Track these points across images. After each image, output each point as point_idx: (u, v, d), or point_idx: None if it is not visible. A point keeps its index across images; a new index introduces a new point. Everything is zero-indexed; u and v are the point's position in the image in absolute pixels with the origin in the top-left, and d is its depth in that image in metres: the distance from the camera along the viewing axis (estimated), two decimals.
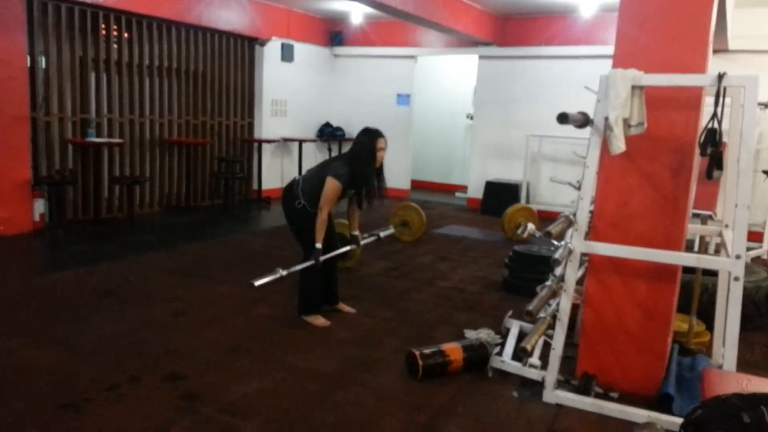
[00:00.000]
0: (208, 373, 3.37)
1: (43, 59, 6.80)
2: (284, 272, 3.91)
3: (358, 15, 9.41)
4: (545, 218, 7.49)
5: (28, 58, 6.49)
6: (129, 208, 7.52)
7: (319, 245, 4.00)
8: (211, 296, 4.70)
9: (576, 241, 3.14)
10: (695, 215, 4.20)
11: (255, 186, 9.50)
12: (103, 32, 7.30)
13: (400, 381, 3.38)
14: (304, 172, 4.55)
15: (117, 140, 7.44)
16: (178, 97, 8.36)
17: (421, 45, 10.18)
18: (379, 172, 4.23)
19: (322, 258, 4.04)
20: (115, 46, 7.46)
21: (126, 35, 7.57)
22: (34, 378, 3.24)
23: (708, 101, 3.01)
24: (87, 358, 3.50)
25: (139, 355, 3.56)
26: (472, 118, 10.41)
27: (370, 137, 4.08)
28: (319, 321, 4.18)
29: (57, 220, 6.87)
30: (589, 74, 4.23)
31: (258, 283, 3.79)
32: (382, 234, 4.76)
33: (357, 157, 4.09)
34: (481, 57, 9.67)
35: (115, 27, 7.42)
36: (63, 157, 7.05)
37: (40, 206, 6.63)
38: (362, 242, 4.47)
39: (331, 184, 3.99)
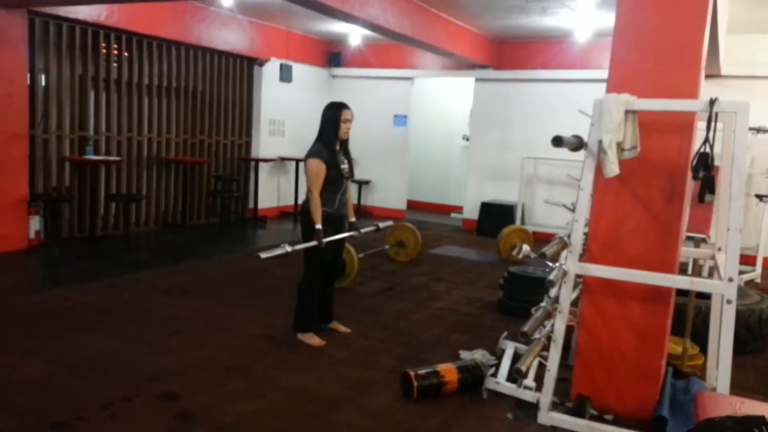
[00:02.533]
0: (202, 392, 3.35)
1: (43, 77, 6.86)
2: (289, 248, 3.91)
3: (356, 37, 9.52)
4: (540, 240, 7.52)
5: (28, 75, 6.54)
6: (125, 226, 7.52)
7: (318, 226, 4.00)
8: (206, 315, 4.69)
9: (570, 263, 3.17)
10: (689, 238, 4.24)
11: (251, 205, 9.51)
12: (104, 51, 7.37)
13: (394, 402, 3.38)
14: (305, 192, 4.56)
15: (114, 158, 7.46)
16: (176, 115, 8.41)
17: (419, 67, 10.30)
18: (346, 146, 4.24)
19: (325, 240, 4.02)
20: (114, 64, 7.53)
21: (126, 54, 7.64)
22: (27, 395, 3.22)
23: (700, 126, 3.06)
24: (81, 376, 3.48)
25: (134, 373, 3.54)
26: (468, 139, 10.49)
27: (335, 110, 4.14)
28: (314, 340, 4.17)
29: (52, 238, 6.86)
30: (584, 98, 4.30)
31: (265, 256, 3.81)
32: (381, 225, 4.78)
33: (324, 130, 4.14)
34: (477, 79, 9.78)
35: (115, 46, 7.50)
36: (60, 174, 7.06)
37: (35, 223, 6.62)
38: (362, 230, 4.47)
39: (311, 164, 4.03)
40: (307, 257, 4.17)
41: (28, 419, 2.97)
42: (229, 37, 8.57)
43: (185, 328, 4.38)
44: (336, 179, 4.13)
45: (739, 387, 3.66)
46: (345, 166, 4.22)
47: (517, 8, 7.15)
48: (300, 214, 4.36)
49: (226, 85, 9.07)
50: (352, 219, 4.43)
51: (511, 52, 9.47)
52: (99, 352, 3.83)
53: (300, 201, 4.40)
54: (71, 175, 7.18)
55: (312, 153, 4.08)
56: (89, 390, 3.30)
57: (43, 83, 6.86)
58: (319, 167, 4.03)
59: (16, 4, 6.12)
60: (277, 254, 3.86)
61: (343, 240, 4.42)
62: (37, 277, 5.92)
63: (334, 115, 4.13)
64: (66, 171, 7.13)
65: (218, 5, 7.83)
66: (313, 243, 4.01)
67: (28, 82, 6.55)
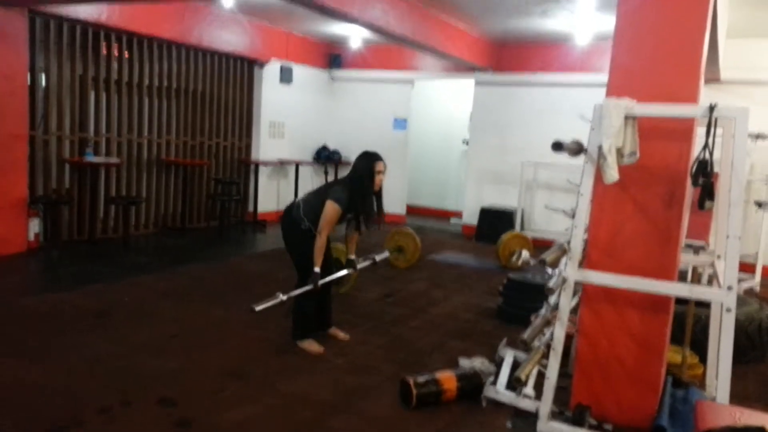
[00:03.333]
0: (201, 397, 3.34)
1: (43, 77, 6.85)
2: (284, 297, 3.91)
3: (357, 39, 9.52)
4: (540, 246, 7.50)
5: (29, 75, 6.53)
6: (124, 228, 7.51)
7: (317, 269, 4.00)
8: (205, 319, 4.68)
9: (570, 270, 3.15)
10: (688, 245, 4.23)
11: (251, 208, 9.50)
12: (104, 51, 7.36)
13: (393, 409, 3.36)
14: (300, 194, 4.55)
15: (114, 160, 7.45)
16: (176, 117, 8.40)
17: (419, 69, 10.29)
18: (378, 196, 4.24)
19: (320, 282, 4.03)
20: (115, 65, 7.52)
21: (126, 54, 7.64)
22: (25, 398, 3.21)
23: (700, 131, 3.05)
24: (80, 380, 3.47)
25: (133, 377, 3.53)
26: (467, 143, 10.48)
27: (369, 161, 4.11)
28: (313, 347, 4.16)
29: (52, 240, 6.85)
30: (584, 101, 4.29)
31: (259, 308, 3.79)
32: (378, 258, 4.76)
33: (356, 180, 4.11)
34: (477, 82, 9.77)
35: (116, 46, 7.49)
36: (60, 176, 7.05)
37: (35, 226, 6.61)
38: (359, 266, 4.46)
39: (331, 208, 4.00)
40: (301, 271, 4.16)
41: (25, 423, 2.96)
42: (229, 38, 8.57)
43: (184, 331, 4.37)
44: (342, 220, 4.16)
45: (738, 396, 3.64)
46: (352, 216, 4.22)
47: (517, 11, 7.15)
48: (283, 220, 4.29)
49: (226, 87, 9.06)
50: (352, 257, 4.44)
51: (511, 55, 9.46)
52: (98, 356, 3.81)
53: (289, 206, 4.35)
54: (71, 177, 7.17)
55: (335, 197, 4.01)
56: (88, 394, 3.29)
57: (44, 83, 6.85)
58: (336, 213, 4.01)
59: (17, 3, 6.12)
60: (271, 304, 3.85)
61: (329, 249, 4.40)
62: (36, 280, 5.91)
63: (368, 166, 4.08)
64: (66, 173, 7.12)
65: (219, 6, 7.83)
66: (309, 287, 4.01)
67: (28, 82, 6.54)
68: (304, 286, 4.10)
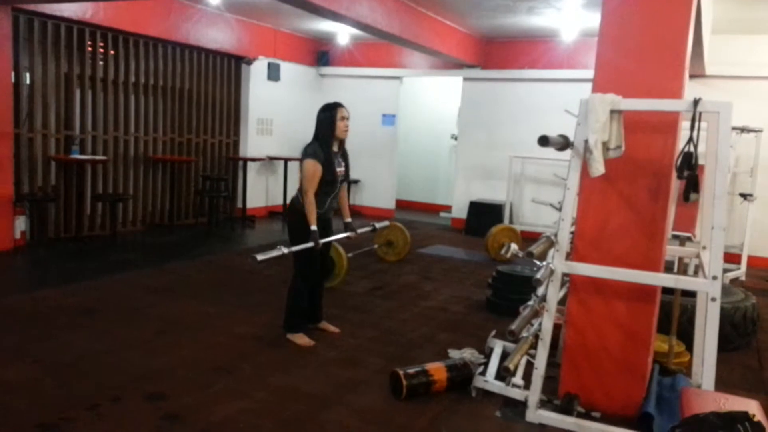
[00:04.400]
0: (190, 393, 3.34)
1: (28, 75, 6.79)
2: (285, 250, 3.88)
3: (344, 36, 9.51)
4: (528, 238, 7.55)
5: (13, 73, 6.47)
6: (111, 226, 7.47)
7: (314, 227, 3.97)
8: (194, 315, 4.67)
9: (557, 262, 3.19)
10: (675, 237, 4.28)
11: (240, 204, 9.48)
12: (89, 49, 7.31)
13: (383, 401, 3.38)
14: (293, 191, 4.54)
15: (101, 157, 7.41)
16: (163, 114, 8.36)
17: (407, 66, 10.30)
18: (343, 147, 4.23)
19: (321, 241, 4.01)
20: (101, 62, 7.47)
21: (112, 52, 7.58)
22: (12, 396, 3.19)
23: (685, 125, 3.09)
24: (67, 377, 3.45)
25: (121, 374, 3.52)
26: (456, 138, 10.52)
27: (331, 109, 4.12)
28: (303, 340, 4.17)
29: (38, 238, 6.80)
30: (570, 97, 4.33)
31: (261, 258, 3.78)
32: (377, 225, 4.75)
33: (320, 130, 4.11)
34: (465, 79, 9.80)
35: (101, 44, 7.44)
36: (46, 173, 7.00)
37: (21, 223, 6.56)
38: (359, 231, 4.44)
39: (308, 164, 4.01)
40: (297, 259, 4.15)
41: (13, 421, 2.95)
42: (216, 35, 8.53)
43: (172, 328, 4.36)
44: (330, 182, 4.11)
45: (724, 383, 3.70)
46: (341, 168, 4.20)
47: (504, 8, 7.18)
48: (288, 212, 4.33)
49: (213, 84, 9.02)
50: (348, 219, 4.42)
51: (499, 52, 9.51)
52: (85, 353, 3.80)
53: (288, 200, 4.36)
54: (57, 175, 7.12)
55: (308, 153, 4.04)
56: (76, 391, 3.28)
57: (28, 81, 6.79)
58: (315, 168, 4.01)
59: (0, 1, 6.06)
60: (273, 256, 3.83)
61: (330, 243, 4.41)
62: (22, 278, 5.87)
63: (330, 113, 4.10)
64: (52, 170, 7.07)
65: (205, 3, 7.79)
66: (310, 245, 3.98)
67: (13, 80, 6.48)
68: (302, 271, 4.12)
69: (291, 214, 4.25)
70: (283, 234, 7.56)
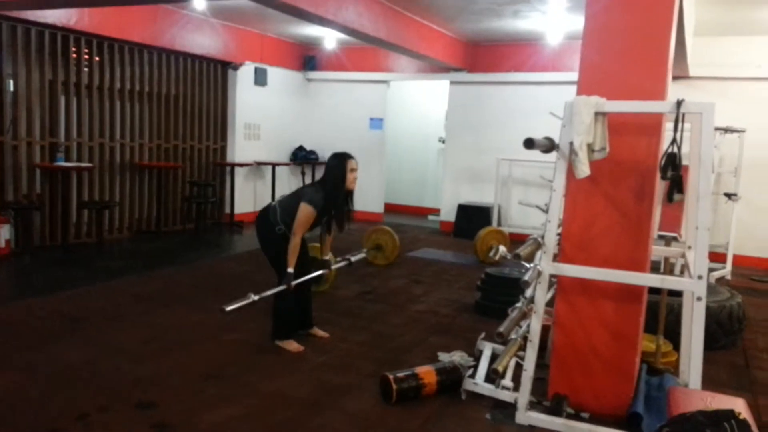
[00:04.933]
0: (180, 400, 3.32)
1: (11, 82, 6.73)
2: (256, 297, 3.89)
3: (331, 40, 9.52)
4: (517, 241, 7.58)
5: None
6: (98, 233, 7.41)
7: (291, 269, 4.00)
8: (182, 322, 4.65)
9: (544, 263, 3.21)
10: (661, 237, 4.32)
11: (227, 210, 9.44)
12: (74, 55, 7.26)
13: (374, 405, 3.38)
14: (277, 197, 4.54)
15: (86, 164, 7.35)
16: (149, 120, 8.32)
17: (394, 70, 10.33)
18: (350, 195, 4.26)
19: (294, 282, 4.03)
20: (85, 69, 7.42)
21: (97, 59, 7.54)
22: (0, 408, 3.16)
23: (669, 126, 3.13)
24: (55, 387, 3.42)
25: (109, 382, 3.50)
26: (444, 141, 10.55)
27: (341, 160, 4.13)
28: (293, 346, 4.16)
29: (23, 246, 6.73)
30: (556, 100, 4.36)
31: (229, 308, 3.76)
32: (353, 258, 4.77)
33: (329, 180, 4.13)
34: (452, 82, 9.84)
35: (86, 50, 7.39)
36: (30, 181, 6.93)
37: (5, 232, 6.48)
38: (334, 266, 4.49)
39: (305, 210, 4.01)
40: (278, 268, 4.15)
41: (0, 431, 2.92)
42: (202, 40, 8.51)
43: (161, 335, 4.33)
44: (317, 223, 4.17)
45: (711, 382, 3.73)
46: (328, 217, 4.23)
47: (489, 11, 7.23)
48: (258, 221, 4.28)
49: (200, 90, 8.99)
50: (327, 257, 4.46)
51: (485, 55, 9.56)
52: (73, 362, 3.76)
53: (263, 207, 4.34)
54: (42, 183, 7.05)
55: (310, 199, 4.03)
56: (63, 401, 3.25)
57: (12, 89, 6.73)
58: (311, 216, 4.02)
59: None
60: (242, 304, 3.81)
61: (306, 249, 4.40)
62: (7, 287, 5.80)
63: (341, 166, 4.10)
64: (37, 178, 7.00)
65: (191, 9, 7.77)
66: (282, 288, 4.01)
67: None
68: (279, 287, 4.11)
69: (261, 224, 4.23)
70: None
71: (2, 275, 6.06)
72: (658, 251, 3.82)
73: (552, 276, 3.33)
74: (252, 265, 6.50)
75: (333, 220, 4.29)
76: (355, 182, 4.18)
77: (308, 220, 4.03)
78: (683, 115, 2.96)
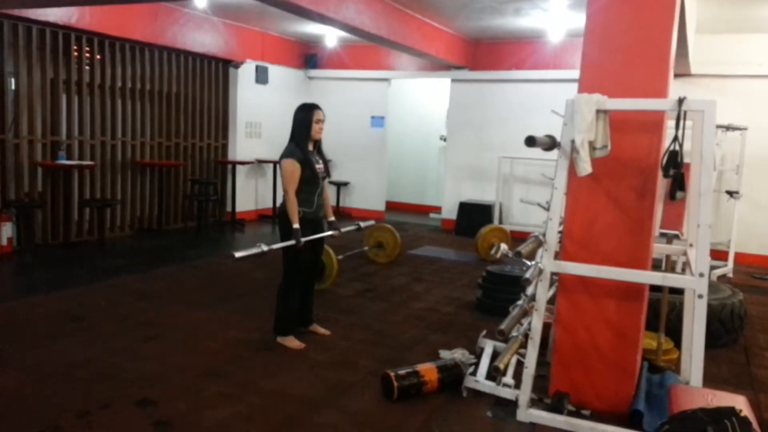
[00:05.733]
0: (181, 398, 3.32)
1: (13, 81, 6.73)
2: (265, 248, 3.88)
3: (332, 38, 9.51)
4: (518, 238, 7.58)
5: None
6: (100, 231, 7.42)
7: (296, 225, 3.98)
8: (183, 320, 4.65)
9: (546, 261, 3.21)
10: (662, 235, 4.32)
11: (229, 208, 9.45)
12: (75, 54, 7.26)
13: (375, 403, 3.38)
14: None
15: (88, 162, 7.36)
16: (151, 118, 8.32)
17: (395, 68, 10.32)
18: (319, 146, 4.27)
19: (303, 239, 4.00)
20: (87, 67, 7.42)
21: (98, 57, 7.54)
22: (1, 404, 3.16)
23: (670, 124, 3.12)
24: (56, 384, 3.43)
25: (111, 380, 3.50)
26: (445, 139, 10.55)
27: (306, 111, 4.17)
28: (294, 343, 4.16)
29: (25, 244, 6.74)
30: (557, 97, 4.35)
31: (239, 254, 3.76)
32: (362, 224, 4.75)
33: (295, 130, 4.16)
34: (453, 80, 9.83)
35: (87, 49, 7.39)
36: (32, 179, 6.94)
37: (7, 230, 6.49)
38: (343, 229, 4.45)
39: (285, 164, 4.05)
40: (286, 260, 4.15)
41: (2, 429, 2.92)
42: (203, 38, 8.51)
43: (162, 333, 4.34)
44: (311, 179, 4.12)
45: (712, 379, 3.73)
46: (320, 165, 4.22)
47: (491, 9, 7.22)
48: (277, 217, 4.34)
49: (201, 88, 8.99)
50: (332, 218, 4.41)
51: (486, 53, 9.55)
52: (74, 360, 3.77)
53: (278, 203, 4.34)
54: (44, 181, 7.06)
55: (285, 153, 4.10)
56: (65, 398, 3.25)
57: (13, 87, 6.74)
58: (293, 166, 4.04)
59: None
60: (252, 253, 3.82)
61: (321, 242, 4.42)
62: (10, 285, 5.81)
63: (305, 115, 4.16)
64: (38, 176, 7.01)
65: (192, 7, 7.77)
66: (292, 242, 3.99)
67: None
68: (290, 274, 4.12)
69: (280, 218, 4.24)
70: (273, 237, 7.54)
71: (4, 273, 6.07)
72: (659, 249, 3.82)
73: (553, 274, 3.33)
74: (253, 263, 6.46)
75: (324, 170, 4.25)
76: (320, 132, 4.20)
77: (293, 172, 4.02)
78: (685, 112, 2.96)
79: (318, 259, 4.47)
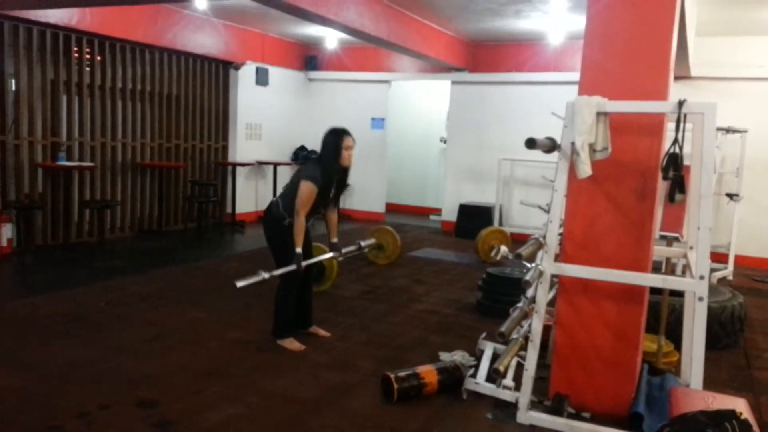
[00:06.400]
0: (181, 399, 3.32)
1: (13, 82, 6.74)
2: (266, 275, 3.89)
3: (332, 40, 9.52)
4: (518, 240, 7.58)
5: None
6: (100, 232, 7.42)
7: (299, 249, 3.98)
8: (183, 321, 4.65)
9: (546, 263, 3.21)
10: (662, 237, 4.32)
11: (229, 210, 9.45)
12: (76, 55, 7.27)
13: (375, 405, 3.38)
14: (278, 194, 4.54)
15: (88, 164, 7.36)
16: (151, 120, 8.32)
17: (395, 70, 10.33)
18: (346, 172, 4.25)
19: (303, 263, 4.02)
20: (87, 69, 7.43)
21: (99, 58, 7.55)
22: (1, 405, 3.16)
23: (670, 126, 3.13)
24: (57, 385, 3.42)
25: (111, 381, 3.50)
26: (445, 141, 10.55)
27: (336, 136, 4.13)
28: (294, 345, 4.16)
29: (25, 245, 6.74)
30: (558, 99, 4.35)
31: (240, 284, 3.78)
32: (363, 243, 4.75)
33: (324, 156, 4.13)
34: (453, 82, 9.84)
35: (87, 50, 7.40)
36: (32, 181, 6.94)
37: (7, 231, 6.49)
38: (344, 250, 4.44)
39: (305, 187, 4.00)
40: (281, 265, 4.14)
41: (1, 429, 2.92)
42: (203, 40, 8.51)
43: (163, 334, 4.34)
44: (319, 203, 4.14)
45: (712, 382, 3.73)
46: (332, 193, 4.21)
47: (491, 11, 7.22)
48: (264, 217, 4.28)
49: (201, 89, 9.00)
50: (335, 240, 4.40)
51: (486, 55, 9.55)
52: (74, 360, 3.77)
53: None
54: (44, 182, 7.07)
55: (308, 175, 4.04)
56: (65, 398, 3.25)
57: (14, 88, 6.74)
58: (312, 192, 4.01)
59: None
60: (253, 281, 3.83)
61: (310, 245, 4.40)
62: (10, 286, 5.81)
63: (335, 142, 4.10)
64: (39, 177, 7.01)
65: (192, 8, 7.77)
66: (292, 267, 3.99)
67: None
68: (287, 277, 4.12)
69: (268, 220, 4.22)
70: None
71: (4, 274, 6.07)
72: (659, 251, 3.82)
73: (553, 276, 3.33)
74: (253, 264, 6.46)
75: (335, 198, 4.26)
76: (350, 159, 4.16)
77: (310, 196, 4.00)
78: (685, 115, 2.96)
79: (312, 264, 4.43)
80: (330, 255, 4.38)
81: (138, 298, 5.20)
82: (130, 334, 4.31)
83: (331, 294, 5.60)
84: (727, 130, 7.16)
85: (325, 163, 4.10)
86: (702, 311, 2.98)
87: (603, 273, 3.16)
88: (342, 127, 4.19)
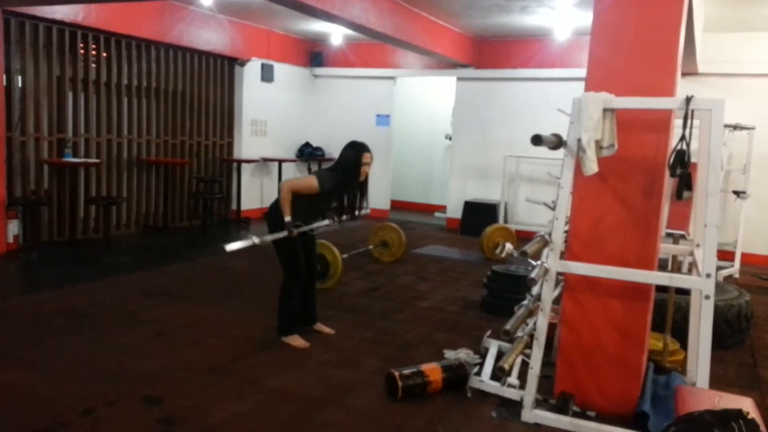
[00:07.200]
0: (186, 395, 3.33)
1: (20, 78, 6.76)
2: (257, 240, 3.89)
3: (338, 36, 9.50)
4: (523, 238, 7.57)
5: (4, 76, 6.43)
6: (105, 229, 7.44)
7: (288, 218, 3.97)
8: (188, 318, 4.66)
9: (551, 261, 3.19)
10: (668, 234, 4.29)
11: (234, 206, 9.46)
12: (81, 51, 7.28)
13: (379, 402, 3.38)
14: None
15: (94, 160, 7.38)
16: (156, 116, 8.34)
17: (400, 66, 10.31)
18: (363, 187, 4.24)
19: (296, 230, 4.00)
20: (93, 65, 7.44)
21: (104, 54, 7.56)
22: (6, 401, 3.17)
23: (677, 123, 3.10)
24: (62, 382, 3.43)
25: (116, 378, 3.51)
26: (450, 138, 10.53)
27: (356, 151, 4.12)
28: (298, 342, 4.16)
29: (31, 242, 6.77)
30: (564, 96, 4.34)
31: (230, 248, 3.78)
32: (358, 213, 4.69)
33: (341, 168, 4.12)
34: (459, 78, 9.81)
35: (93, 46, 7.41)
36: (38, 177, 6.97)
37: (14, 227, 6.52)
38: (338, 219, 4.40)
39: (309, 179, 4.05)
40: (283, 262, 4.15)
41: (7, 426, 2.93)
42: (209, 36, 8.51)
43: (168, 331, 4.35)
44: (318, 206, 4.15)
45: (719, 381, 3.71)
46: (336, 204, 4.24)
47: (497, 7, 7.19)
48: (268, 215, 4.27)
49: (206, 86, 9.00)
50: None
51: (492, 51, 9.52)
52: (80, 357, 3.78)
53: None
54: (50, 178, 7.09)
55: (319, 176, 4.06)
56: (70, 395, 3.26)
57: (20, 84, 6.76)
58: (311, 187, 4.02)
59: None
60: (243, 245, 3.82)
61: (313, 244, 4.39)
62: (15, 282, 5.83)
63: (355, 157, 4.10)
64: (45, 174, 7.03)
65: (198, 4, 7.77)
66: (284, 234, 3.97)
67: (5, 83, 6.44)
68: (288, 281, 4.12)
69: (271, 216, 4.22)
70: None
71: (10, 270, 6.10)
72: (666, 249, 3.80)
73: (559, 273, 3.31)
74: (258, 261, 6.51)
75: (343, 205, 4.26)
76: (366, 175, 4.18)
77: (306, 186, 4.01)
78: (692, 111, 2.94)
79: (312, 260, 4.43)
80: (326, 222, 4.33)
81: (143, 295, 5.21)
82: (136, 330, 4.32)
83: (336, 291, 5.59)
84: (735, 127, 7.11)
85: (341, 177, 4.10)
86: (708, 309, 2.96)
87: (609, 271, 3.14)
88: (361, 142, 4.17)
